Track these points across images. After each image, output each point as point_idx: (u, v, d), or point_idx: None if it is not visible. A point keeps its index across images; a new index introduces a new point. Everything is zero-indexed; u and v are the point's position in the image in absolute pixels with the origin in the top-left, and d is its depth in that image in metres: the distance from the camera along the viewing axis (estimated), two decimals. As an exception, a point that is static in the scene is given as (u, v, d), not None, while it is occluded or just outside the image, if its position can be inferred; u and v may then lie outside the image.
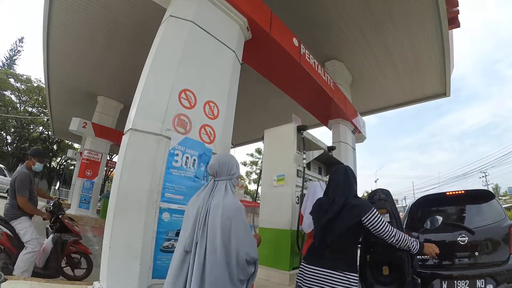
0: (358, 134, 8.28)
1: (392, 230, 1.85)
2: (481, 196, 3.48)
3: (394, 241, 1.86)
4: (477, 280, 2.87)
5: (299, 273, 2.00)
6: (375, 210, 1.87)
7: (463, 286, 2.90)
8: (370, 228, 1.84)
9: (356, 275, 1.82)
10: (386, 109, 10.38)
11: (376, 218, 1.84)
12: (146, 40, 3.44)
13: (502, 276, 2.86)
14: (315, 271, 1.87)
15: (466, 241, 3.04)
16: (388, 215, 2.33)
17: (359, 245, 2.26)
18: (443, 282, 2.97)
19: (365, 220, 1.83)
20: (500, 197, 35.93)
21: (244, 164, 28.67)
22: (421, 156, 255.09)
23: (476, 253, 3.02)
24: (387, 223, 1.87)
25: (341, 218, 1.88)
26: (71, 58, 8.81)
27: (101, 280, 2.36)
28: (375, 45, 7.01)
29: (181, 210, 2.57)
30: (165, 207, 2.47)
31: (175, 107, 2.69)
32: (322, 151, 4.34)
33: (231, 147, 3.31)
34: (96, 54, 8.40)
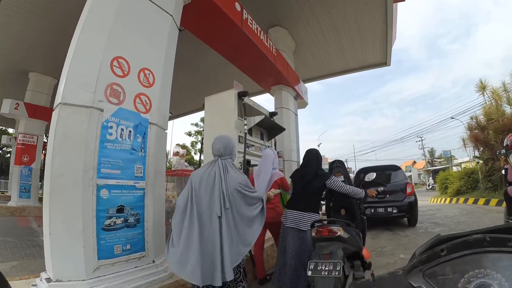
0: (300, 100, 8.61)
1: (346, 186, 2.92)
2: (394, 168, 7.42)
3: (350, 193, 2.91)
4: (388, 208, 6.46)
5: (283, 216, 2.99)
6: (333, 177, 2.95)
7: (381, 210, 6.49)
8: (332, 187, 2.88)
9: (317, 214, 2.90)
10: (328, 76, 10.77)
11: (335, 181, 2.89)
12: (77, 6, 3.04)
13: (401, 207, 6.45)
14: (293, 213, 2.88)
15: (382, 190, 6.07)
16: (342, 176, 3.62)
17: (323, 198, 3.48)
18: (371, 209, 6.42)
19: (328, 183, 2.87)
20: (435, 159, 43.27)
21: (189, 134, 27.34)
22: (364, 122, 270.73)
23: (387, 196, 6.61)
24: (342, 183, 2.95)
25: (312, 182, 2.91)
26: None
27: (47, 269, 2.25)
28: (319, 13, 7.09)
29: (120, 185, 2.45)
30: (103, 184, 2.33)
31: (106, 76, 2.48)
32: (263, 117, 4.33)
33: (170, 116, 3.18)
34: (23, 24, 7.29)
